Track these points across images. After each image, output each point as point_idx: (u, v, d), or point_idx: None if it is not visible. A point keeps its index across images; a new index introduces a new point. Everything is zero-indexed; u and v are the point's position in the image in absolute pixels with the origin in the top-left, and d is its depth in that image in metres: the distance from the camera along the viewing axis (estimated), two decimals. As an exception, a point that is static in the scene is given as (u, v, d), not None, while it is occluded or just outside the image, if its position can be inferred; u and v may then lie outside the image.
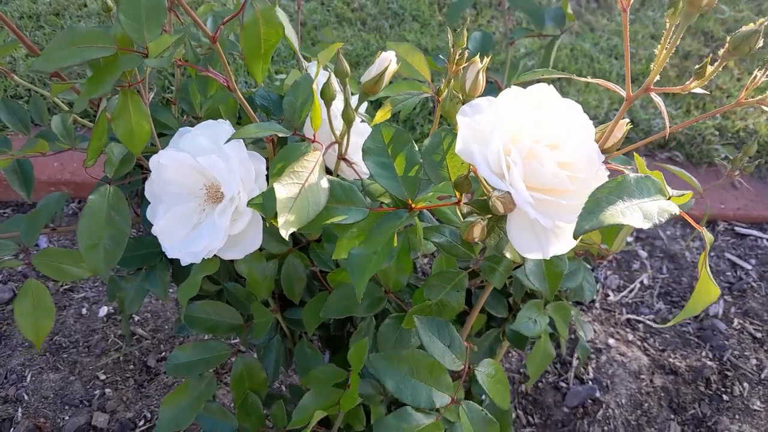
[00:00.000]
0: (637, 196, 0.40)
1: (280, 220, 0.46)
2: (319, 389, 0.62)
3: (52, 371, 1.19)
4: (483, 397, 0.82)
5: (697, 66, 0.43)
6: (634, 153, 0.49)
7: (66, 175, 1.49)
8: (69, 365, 1.20)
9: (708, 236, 0.45)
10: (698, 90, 0.44)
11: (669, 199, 0.44)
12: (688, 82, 0.44)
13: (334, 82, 0.58)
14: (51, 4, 1.94)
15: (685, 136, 1.79)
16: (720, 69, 0.42)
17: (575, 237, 0.38)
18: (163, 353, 1.24)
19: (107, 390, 1.17)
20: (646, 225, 0.38)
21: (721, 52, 0.42)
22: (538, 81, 0.50)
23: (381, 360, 0.51)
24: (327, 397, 0.61)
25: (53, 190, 1.45)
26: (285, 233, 0.46)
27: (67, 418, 1.12)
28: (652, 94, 0.46)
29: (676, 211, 0.41)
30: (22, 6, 1.91)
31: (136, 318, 1.30)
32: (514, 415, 1.18)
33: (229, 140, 0.58)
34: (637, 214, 0.38)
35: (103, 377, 1.19)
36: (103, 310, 1.30)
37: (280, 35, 0.55)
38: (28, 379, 1.17)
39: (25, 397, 1.14)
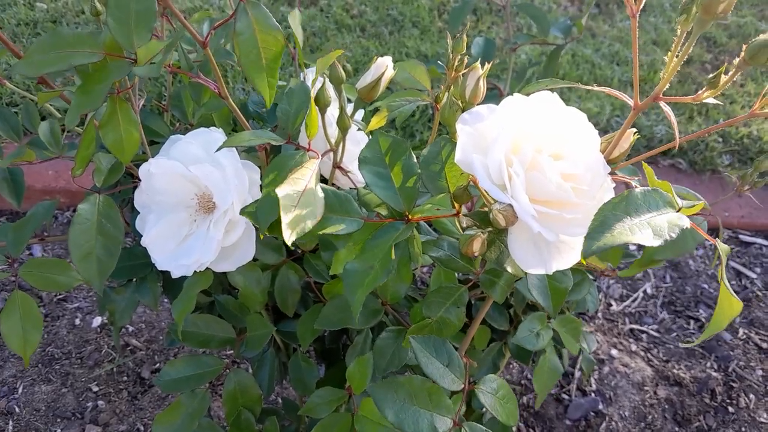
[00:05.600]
0: (644, 210, 0.38)
1: (285, 220, 0.43)
2: (325, 421, 0.59)
3: (44, 383, 1.17)
4: (483, 410, 0.79)
5: (711, 75, 0.41)
6: (643, 162, 0.47)
7: (61, 183, 1.46)
8: (61, 377, 1.18)
9: (723, 247, 0.43)
10: (710, 100, 0.42)
11: (679, 210, 0.42)
12: (700, 92, 0.42)
13: (329, 89, 0.56)
14: (48, 11, 1.93)
15: (688, 143, 1.77)
16: (735, 78, 0.40)
17: (584, 258, 0.36)
18: (158, 364, 1.22)
19: (100, 402, 1.15)
20: (656, 242, 0.36)
21: (736, 61, 0.40)
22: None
23: (378, 389, 0.48)
24: (336, 426, 0.59)
25: (48, 198, 1.43)
26: (290, 237, 0.43)
27: (59, 431, 1.10)
28: (662, 104, 0.44)
29: (687, 224, 0.39)
30: (19, 13, 1.89)
31: (130, 329, 1.28)
32: (515, 428, 1.15)
33: (220, 148, 0.56)
34: (646, 230, 0.36)
35: (96, 389, 1.17)
36: (97, 321, 1.28)
37: (282, 43, 0.49)
38: (20, 390, 1.15)
39: (17, 409, 1.12)
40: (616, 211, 0.37)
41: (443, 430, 0.47)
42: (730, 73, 0.41)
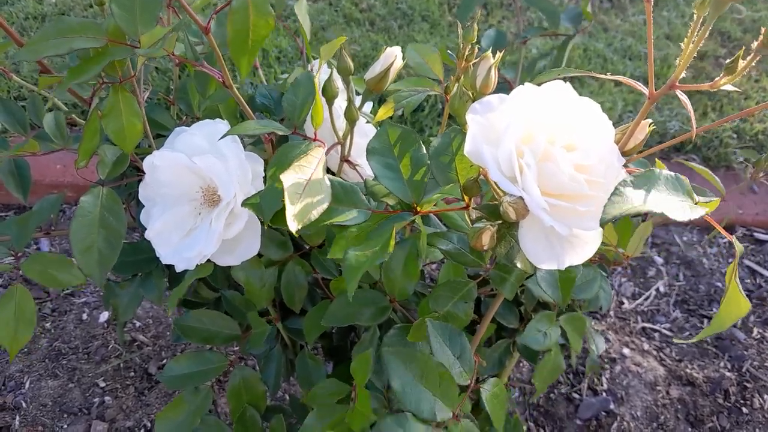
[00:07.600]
0: (664, 191, 0.37)
1: (289, 211, 0.42)
2: (322, 408, 0.58)
3: (51, 378, 1.16)
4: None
5: (728, 60, 0.40)
6: (656, 159, 0.45)
7: (69, 178, 1.46)
8: (68, 372, 1.18)
9: (738, 246, 0.41)
10: (728, 87, 0.40)
11: (696, 204, 0.41)
12: (717, 79, 0.41)
13: (337, 79, 0.55)
14: (57, 5, 1.93)
15: (702, 139, 1.75)
16: (750, 72, 0.38)
17: (601, 225, 0.35)
18: (164, 360, 1.22)
19: (107, 398, 1.14)
20: (677, 216, 0.35)
21: (755, 44, 0.38)
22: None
23: (393, 357, 0.47)
24: (331, 416, 0.58)
25: (55, 192, 1.43)
26: (294, 226, 0.42)
27: (65, 426, 1.09)
28: (678, 92, 0.42)
29: (704, 212, 0.38)
30: (27, 7, 1.89)
31: (137, 324, 1.27)
32: (525, 428, 1.14)
33: (224, 136, 0.55)
34: (666, 203, 0.35)
35: (102, 384, 1.16)
36: (104, 316, 1.27)
37: (271, 26, 0.51)
38: (27, 386, 1.15)
39: (24, 404, 1.12)
40: (637, 184, 0.36)
41: (441, 419, 0.46)
42: (749, 58, 0.39)
